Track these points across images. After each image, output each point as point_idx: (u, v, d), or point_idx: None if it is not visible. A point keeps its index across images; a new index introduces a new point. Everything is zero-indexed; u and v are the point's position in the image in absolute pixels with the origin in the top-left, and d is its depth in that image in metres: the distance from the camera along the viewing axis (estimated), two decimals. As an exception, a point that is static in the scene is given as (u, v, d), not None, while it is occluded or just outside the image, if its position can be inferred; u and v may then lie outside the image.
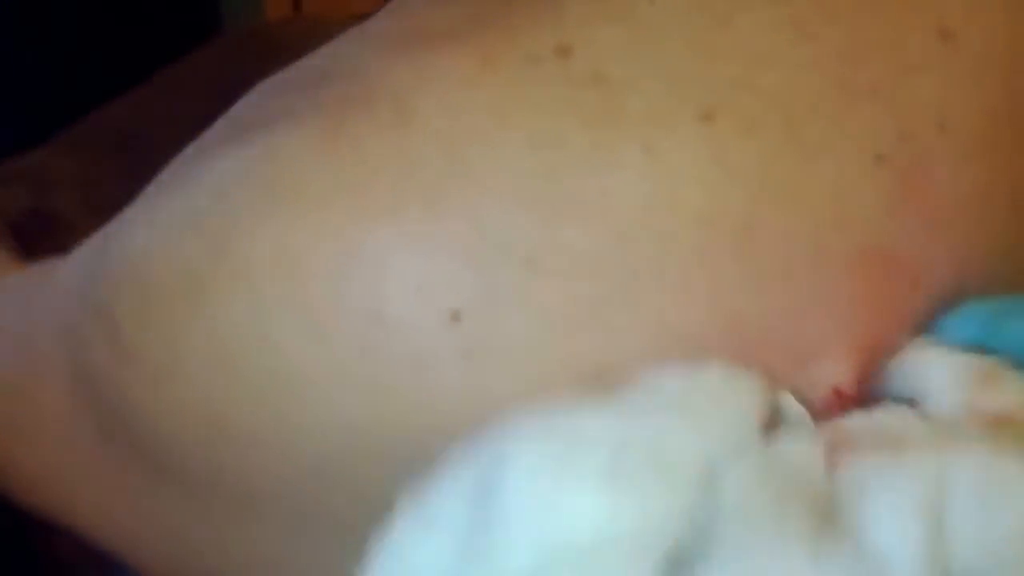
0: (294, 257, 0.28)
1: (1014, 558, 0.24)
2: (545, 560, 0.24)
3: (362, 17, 0.33)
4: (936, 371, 0.28)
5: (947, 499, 0.24)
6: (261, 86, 0.32)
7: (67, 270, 0.34)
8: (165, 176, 0.32)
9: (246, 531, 0.31)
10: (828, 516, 0.25)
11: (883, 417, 0.28)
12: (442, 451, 0.27)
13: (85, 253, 0.33)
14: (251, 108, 0.31)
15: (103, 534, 0.35)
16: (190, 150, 0.32)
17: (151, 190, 0.32)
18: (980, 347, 0.29)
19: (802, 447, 0.27)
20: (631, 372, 0.27)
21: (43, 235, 0.54)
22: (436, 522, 0.25)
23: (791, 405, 0.28)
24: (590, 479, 0.24)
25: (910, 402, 0.29)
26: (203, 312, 0.29)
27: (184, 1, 0.86)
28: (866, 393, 0.30)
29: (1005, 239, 0.32)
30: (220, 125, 0.32)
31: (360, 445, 0.29)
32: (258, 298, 0.29)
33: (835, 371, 0.29)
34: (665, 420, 0.25)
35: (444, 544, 0.25)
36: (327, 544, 0.30)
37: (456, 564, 0.24)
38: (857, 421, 0.28)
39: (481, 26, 0.30)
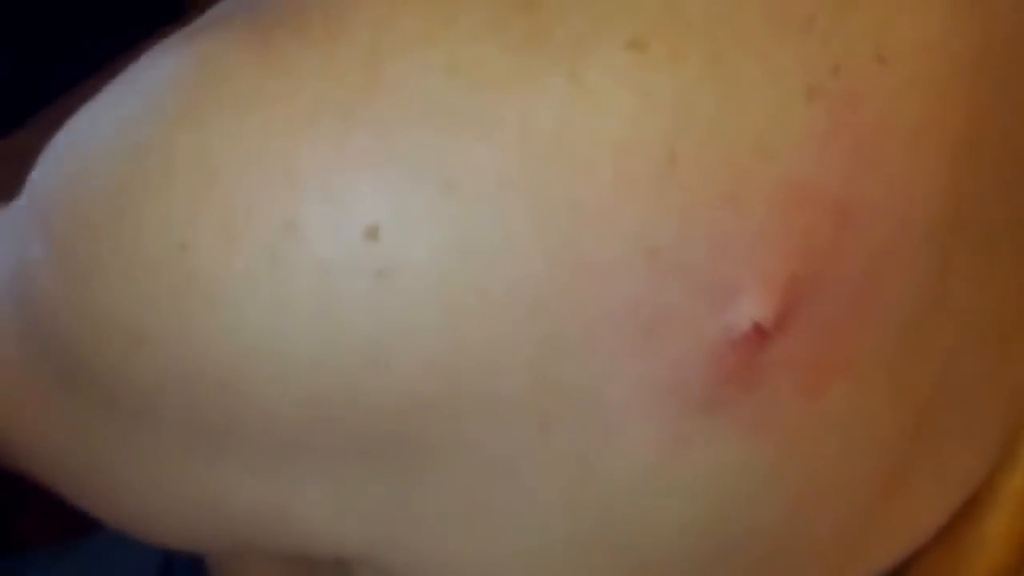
0: (213, 163, 0.28)
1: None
2: None
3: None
4: None
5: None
6: None
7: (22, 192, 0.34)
8: (115, 81, 0.32)
9: (148, 443, 0.32)
10: None
11: None
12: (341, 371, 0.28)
13: (33, 173, 0.34)
14: (201, 17, 0.32)
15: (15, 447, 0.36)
16: (144, 57, 0.32)
17: (99, 96, 0.32)
18: None
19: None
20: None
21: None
22: None
23: None
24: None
25: None
26: (126, 213, 0.29)
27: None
28: (786, 330, 0.30)
29: (950, 182, 0.32)
30: (175, 34, 0.32)
31: (264, 360, 0.29)
32: (177, 201, 0.29)
33: (756, 307, 0.29)
34: None
35: None
36: (228, 460, 0.31)
37: None
38: None
39: None
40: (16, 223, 0.34)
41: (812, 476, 0.33)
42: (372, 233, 0.28)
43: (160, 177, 0.29)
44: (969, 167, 0.32)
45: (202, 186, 0.29)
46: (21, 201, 0.34)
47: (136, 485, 0.34)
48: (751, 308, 0.29)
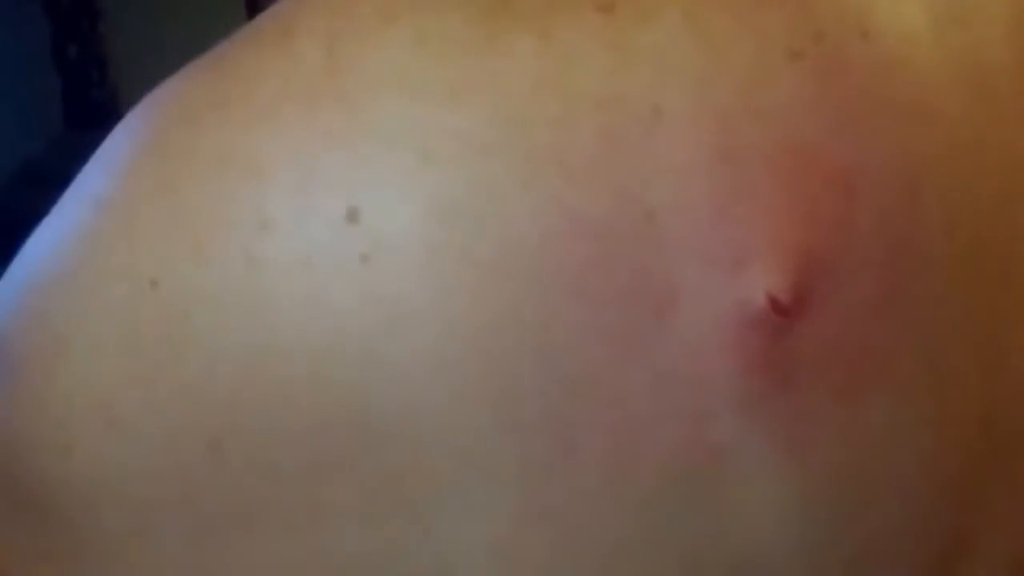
0: (174, 178, 0.26)
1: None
2: None
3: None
4: None
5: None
6: None
7: None
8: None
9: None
10: None
11: None
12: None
13: None
14: None
15: None
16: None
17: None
18: None
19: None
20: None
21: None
22: None
23: None
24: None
25: None
26: (94, 252, 0.27)
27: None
28: (803, 308, 0.28)
29: (962, 137, 0.30)
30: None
31: (258, 383, 0.26)
32: (137, 235, 0.26)
33: (767, 278, 0.27)
34: None
35: None
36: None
37: None
38: None
39: None
40: None
41: (853, 513, 0.30)
42: (352, 215, 0.26)
43: (124, 203, 0.27)
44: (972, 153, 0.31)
45: (165, 204, 0.27)
46: None
47: None
48: (764, 278, 0.27)
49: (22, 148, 1.59)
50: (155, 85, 0.29)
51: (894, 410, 0.29)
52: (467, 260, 0.25)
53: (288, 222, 0.26)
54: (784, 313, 0.27)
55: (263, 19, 0.29)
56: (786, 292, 0.27)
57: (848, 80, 0.28)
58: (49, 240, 0.29)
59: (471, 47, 0.27)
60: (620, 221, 0.26)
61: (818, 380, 0.28)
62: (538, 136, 0.26)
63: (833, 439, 0.28)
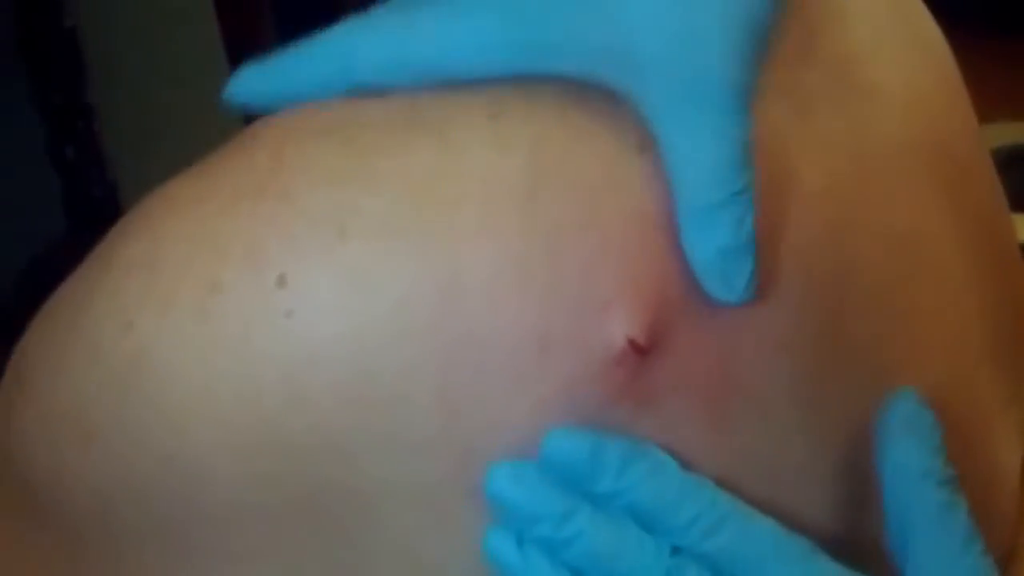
0: (153, 252, 0.35)
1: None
2: None
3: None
4: None
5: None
6: None
7: None
8: None
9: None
10: None
11: None
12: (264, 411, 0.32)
13: None
14: None
15: None
16: None
17: None
18: None
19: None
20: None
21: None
22: None
23: None
24: None
25: None
26: (77, 321, 0.35)
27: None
28: (659, 345, 0.34)
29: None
30: None
31: (197, 413, 0.33)
32: (122, 290, 0.34)
33: (627, 323, 0.33)
34: None
35: None
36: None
37: None
38: None
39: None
40: None
41: None
42: (281, 281, 0.33)
43: (111, 279, 0.35)
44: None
45: (143, 275, 0.34)
46: None
47: None
48: (623, 324, 0.33)
49: (26, 250, 1.65)
50: (152, 178, 0.37)
51: (761, 433, 0.35)
52: (375, 320, 0.33)
53: (232, 286, 0.33)
54: (642, 352, 0.34)
55: (242, 134, 0.37)
56: (643, 334, 0.33)
57: None
58: (65, 288, 0.37)
59: (384, 148, 0.34)
60: (499, 277, 0.33)
61: (681, 405, 0.34)
62: (432, 215, 0.33)
63: (703, 459, 0.35)
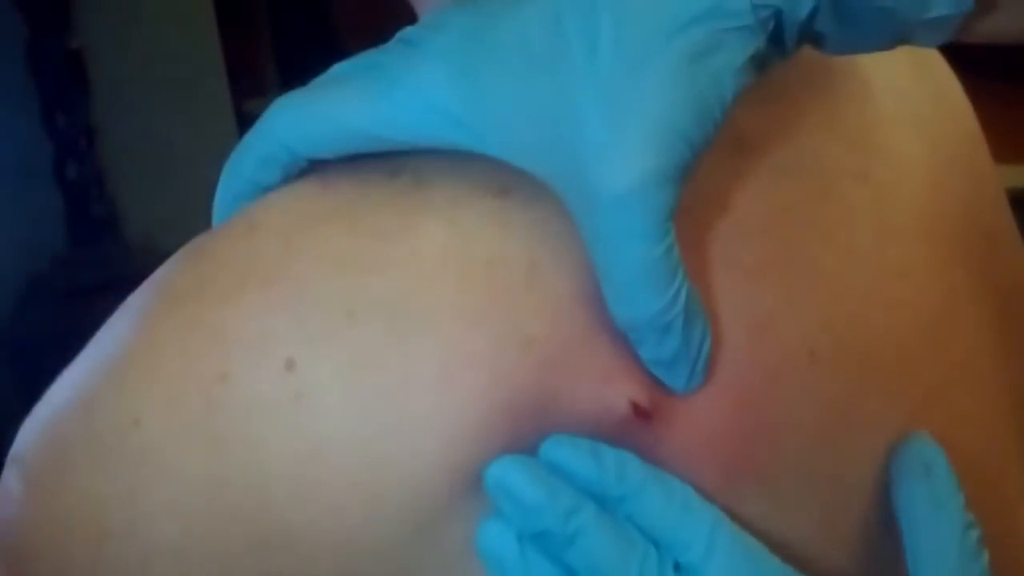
0: (157, 345, 0.34)
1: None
2: None
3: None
4: None
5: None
6: None
7: None
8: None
9: None
10: None
11: None
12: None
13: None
14: None
15: None
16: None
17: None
18: None
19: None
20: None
21: None
22: None
23: None
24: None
25: None
26: (82, 416, 0.34)
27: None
28: (661, 408, 0.34)
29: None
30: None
31: (204, 507, 0.33)
32: (127, 384, 0.34)
33: (630, 388, 0.34)
34: None
35: None
36: None
37: None
38: None
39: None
40: None
41: None
42: (290, 365, 0.33)
43: (112, 368, 0.34)
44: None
45: (145, 364, 0.34)
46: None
47: None
48: (627, 389, 0.34)
49: (28, 266, 1.65)
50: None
51: (768, 503, 0.35)
52: (380, 397, 0.33)
53: (240, 373, 0.33)
54: (645, 416, 0.34)
55: (234, 217, 0.36)
56: (645, 399, 0.34)
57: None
58: (66, 379, 0.36)
59: (393, 233, 0.34)
60: (506, 352, 0.33)
61: (690, 474, 0.34)
62: (439, 293, 0.33)
63: None
